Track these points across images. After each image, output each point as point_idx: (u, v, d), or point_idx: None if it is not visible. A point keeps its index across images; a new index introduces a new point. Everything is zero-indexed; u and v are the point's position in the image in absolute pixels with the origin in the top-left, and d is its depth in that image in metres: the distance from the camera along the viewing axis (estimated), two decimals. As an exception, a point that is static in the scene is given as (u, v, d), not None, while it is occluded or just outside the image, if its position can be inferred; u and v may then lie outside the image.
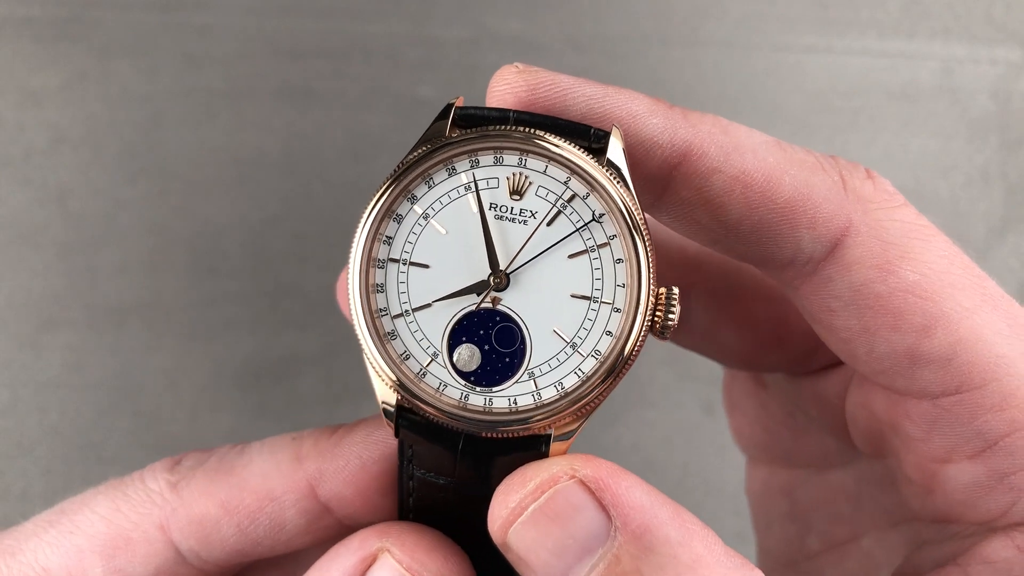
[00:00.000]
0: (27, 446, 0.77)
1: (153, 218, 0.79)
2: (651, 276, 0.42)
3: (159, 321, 0.79)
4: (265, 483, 0.46)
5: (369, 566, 0.43)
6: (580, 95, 0.43)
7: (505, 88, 0.43)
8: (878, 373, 0.44)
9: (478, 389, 0.43)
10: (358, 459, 0.45)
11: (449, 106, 0.44)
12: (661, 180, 0.43)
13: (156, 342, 0.78)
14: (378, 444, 0.45)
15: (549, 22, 0.83)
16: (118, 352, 0.78)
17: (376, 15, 0.82)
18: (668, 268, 0.54)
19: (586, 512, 0.39)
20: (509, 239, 0.43)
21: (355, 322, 0.43)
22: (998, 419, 0.42)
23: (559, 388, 0.43)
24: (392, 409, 0.43)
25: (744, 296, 0.54)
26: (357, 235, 0.43)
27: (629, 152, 0.42)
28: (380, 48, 0.81)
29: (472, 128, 0.43)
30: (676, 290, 0.43)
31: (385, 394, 0.43)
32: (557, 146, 0.42)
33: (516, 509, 0.40)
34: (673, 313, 0.42)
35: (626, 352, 0.42)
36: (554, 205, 0.43)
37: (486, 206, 0.43)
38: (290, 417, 0.79)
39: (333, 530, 0.47)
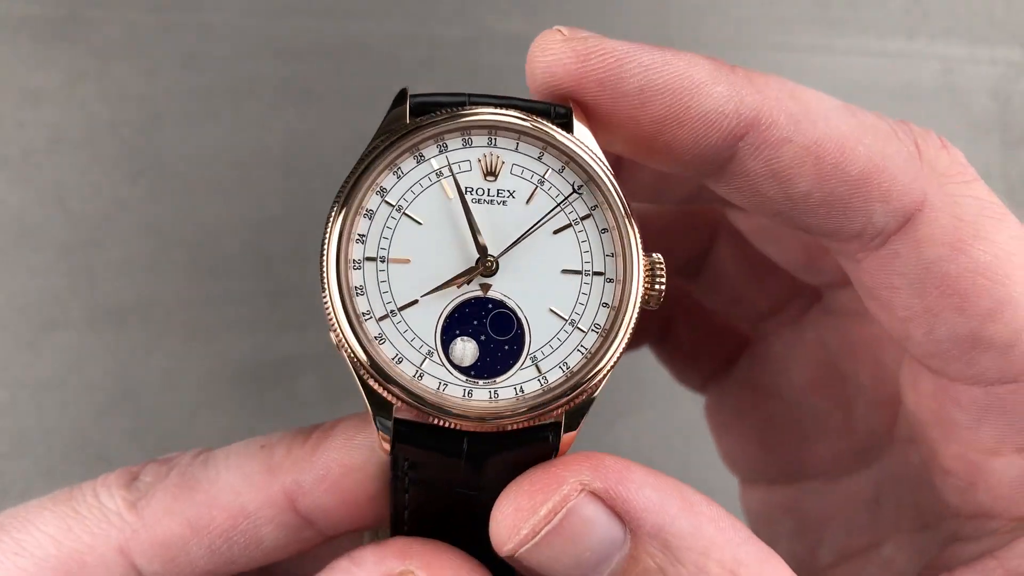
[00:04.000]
0: (27, 446, 0.77)
1: (153, 218, 0.79)
2: (638, 242, 0.41)
3: (159, 321, 0.78)
4: (236, 499, 0.41)
5: None
6: (636, 65, 0.40)
7: (551, 59, 0.40)
8: (932, 356, 0.42)
9: (480, 382, 0.41)
10: (339, 466, 0.41)
11: (403, 92, 0.42)
12: (725, 151, 0.40)
13: (156, 342, 0.78)
14: (361, 448, 0.42)
15: (549, 22, 0.82)
16: (118, 352, 0.78)
17: (376, 15, 0.82)
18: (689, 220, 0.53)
19: (600, 524, 0.38)
20: (490, 222, 0.41)
21: (339, 331, 0.40)
22: None
23: (564, 368, 0.41)
24: (389, 423, 0.40)
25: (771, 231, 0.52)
26: (326, 238, 0.41)
27: (692, 125, 0.40)
28: (380, 48, 0.81)
29: (432, 114, 0.41)
30: (661, 257, 0.41)
31: (379, 410, 0.40)
32: (528, 120, 0.41)
33: (528, 535, 0.38)
34: (660, 282, 0.41)
35: (627, 320, 0.40)
36: (530, 181, 0.41)
37: (463, 190, 0.41)
38: (290, 417, 0.79)
39: (317, 540, 0.44)
